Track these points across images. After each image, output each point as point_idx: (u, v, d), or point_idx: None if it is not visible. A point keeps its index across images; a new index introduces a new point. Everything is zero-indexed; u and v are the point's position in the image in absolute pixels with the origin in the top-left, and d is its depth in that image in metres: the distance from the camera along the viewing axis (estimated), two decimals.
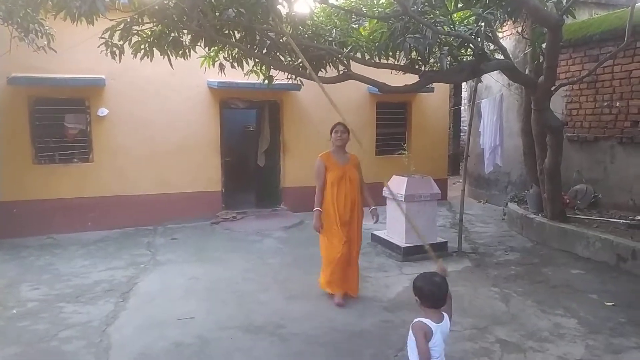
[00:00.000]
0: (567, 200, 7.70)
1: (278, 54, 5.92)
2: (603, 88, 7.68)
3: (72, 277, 5.87)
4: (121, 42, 5.21)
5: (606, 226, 6.73)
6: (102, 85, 8.00)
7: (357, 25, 5.99)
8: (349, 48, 5.76)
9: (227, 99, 9.08)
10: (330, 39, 5.84)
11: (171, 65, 5.58)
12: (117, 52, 5.20)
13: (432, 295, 2.51)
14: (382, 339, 4.19)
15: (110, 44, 5.16)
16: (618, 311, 4.72)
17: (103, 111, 8.09)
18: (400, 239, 6.66)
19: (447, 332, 2.56)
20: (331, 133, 5.10)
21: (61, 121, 8.04)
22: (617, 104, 7.41)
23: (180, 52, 5.55)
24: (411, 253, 6.48)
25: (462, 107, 14.30)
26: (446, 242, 6.83)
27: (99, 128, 8.21)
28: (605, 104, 7.63)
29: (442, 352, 2.52)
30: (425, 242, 3.34)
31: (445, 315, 2.55)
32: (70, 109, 8.10)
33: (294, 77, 6.65)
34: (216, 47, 5.91)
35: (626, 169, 7.39)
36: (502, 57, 6.69)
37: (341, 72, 6.11)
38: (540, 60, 7.13)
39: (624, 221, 6.80)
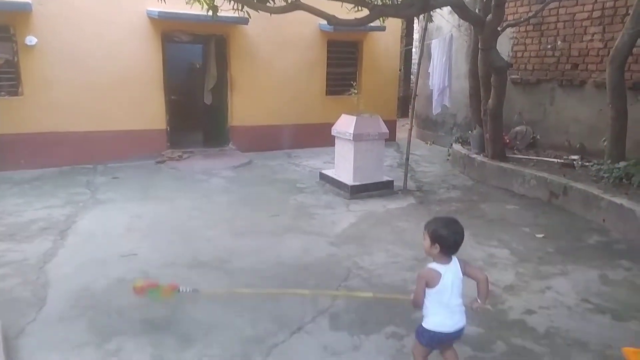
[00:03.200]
0: (508, 141, 7.99)
1: None
2: (548, 30, 7.82)
3: (4, 216, 5.58)
4: None
5: (542, 165, 7.08)
6: (29, 11, 7.29)
7: None
8: None
9: (169, 32, 8.55)
10: None
11: None
12: None
13: (456, 243, 2.49)
14: (327, 272, 4.30)
15: None
16: (547, 242, 5.05)
17: (31, 40, 7.42)
18: (348, 178, 6.73)
19: (460, 275, 2.53)
20: None
21: None
22: (559, 43, 7.59)
23: None
24: (358, 191, 6.59)
25: (414, 49, 14.25)
26: (392, 180, 6.97)
27: (28, 58, 7.56)
28: (549, 46, 7.80)
29: (456, 292, 2.51)
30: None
31: (454, 257, 2.54)
32: None
33: (240, 8, 6.30)
34: None
35: (564, 111, 7.71)
36: None
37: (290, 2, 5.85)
38: None
39: (558, 160, 7.17)
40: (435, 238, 2.48)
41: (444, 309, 2.52)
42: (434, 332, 2.54)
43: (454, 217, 2.57)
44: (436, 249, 2.49)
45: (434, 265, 2.52)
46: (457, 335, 2.60)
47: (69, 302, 3.67)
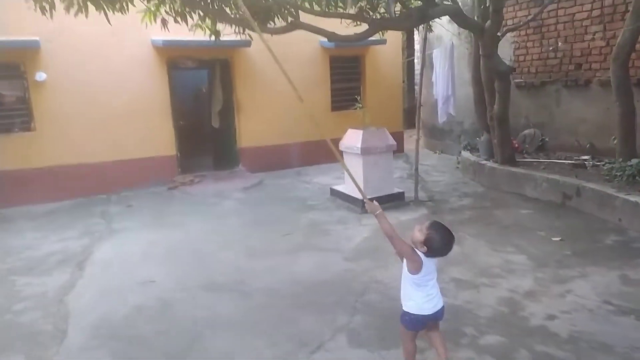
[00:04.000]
0: (516, 145, 7.96)
1: (223, 5, 5.66)
2: (548, 32, 7.84)
3: (23, 250, 5.65)
4: None
5: (552, 167, 7.03)
6: (37, 48, 7.48)
7: None
8: None
9: (174, 59, 8.71)
10: None
11: (108, 21, 5.25)
12: (47, 7, 4.82)
13: (441, 254, 2.73)
14: (344, 287, 4.28)
15: None
16: (564, 245, 4.99)
17: (41, 76, 7.60)
18: (358, 192, 6.72)
19: (436, 267, 2.78)
20: None
21: None
22: (560, 44, 7.60)
23: (117, 6, 5.20)
24: None
25: (415, 60, 14.32)
26: (403, 192, 6.96)
27: (38, 94, 7.74)
28: (551, 48, 7.81)
29: (432, 281, 2.76)
30: (362, 193, 3.40)
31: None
32: (4, 74, 7.57)
33: (242, 31, 6.41)
34: (156, 0, 5.58)
35: (571, 112, 7.67)
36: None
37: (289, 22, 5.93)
38: (487, 5, 7.16)
39: (569, 161, 7.12)
40: (428, 243, 2.66)
41: (421, 294, 2.73)
42: (414, 314, 2.75)
43: (453, 234, 2.71)
44: (423, 248, 2.68)
45: (422, 255, 2.69)
46: (436, 316, 2.79)
47: (89, 333, 3.70)
